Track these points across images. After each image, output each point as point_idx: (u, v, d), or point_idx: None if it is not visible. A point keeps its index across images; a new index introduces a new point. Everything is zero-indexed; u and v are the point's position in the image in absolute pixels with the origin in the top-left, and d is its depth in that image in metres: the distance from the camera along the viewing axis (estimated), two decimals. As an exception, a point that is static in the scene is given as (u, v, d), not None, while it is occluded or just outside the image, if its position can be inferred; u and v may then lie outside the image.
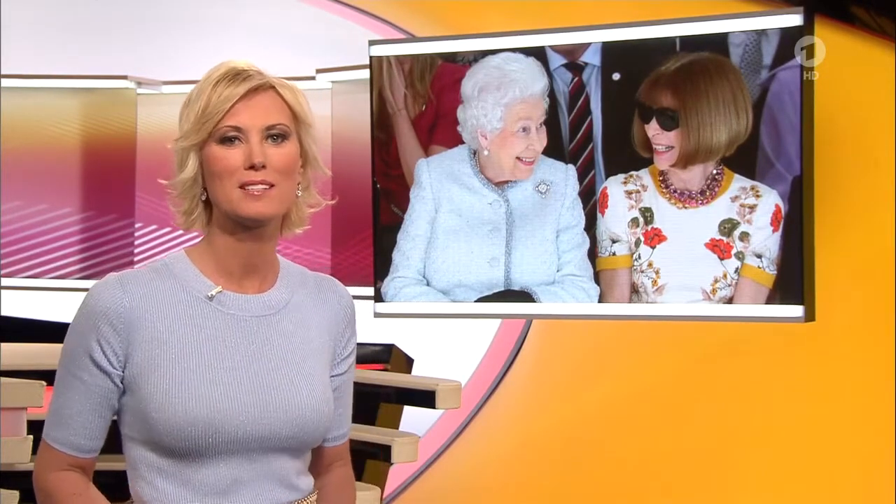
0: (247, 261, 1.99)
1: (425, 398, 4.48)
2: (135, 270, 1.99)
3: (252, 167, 1.93)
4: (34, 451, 4.21)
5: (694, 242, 4.07)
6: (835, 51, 3.99)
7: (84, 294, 1.99)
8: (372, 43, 4.63)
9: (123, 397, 1.96)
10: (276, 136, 1.95)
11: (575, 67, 4.24)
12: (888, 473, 3.98)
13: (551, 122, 4.26)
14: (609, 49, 4.19)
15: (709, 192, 4.06)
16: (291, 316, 2.02)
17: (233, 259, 1.99)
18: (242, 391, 1.94)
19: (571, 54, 4.23)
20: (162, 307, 1.96)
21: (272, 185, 1.94)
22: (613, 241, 4.20)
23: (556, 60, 4.26)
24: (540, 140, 4.27)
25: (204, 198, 1.98)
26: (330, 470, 2.14)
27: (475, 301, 4.36)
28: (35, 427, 4.25)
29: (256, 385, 1.96)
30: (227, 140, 1.94)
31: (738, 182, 4.00)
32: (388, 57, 4.50)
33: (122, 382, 1.96)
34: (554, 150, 4.26)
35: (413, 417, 4.80)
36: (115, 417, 2.01)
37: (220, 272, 1.99)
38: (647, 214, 4.15)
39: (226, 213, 1.96)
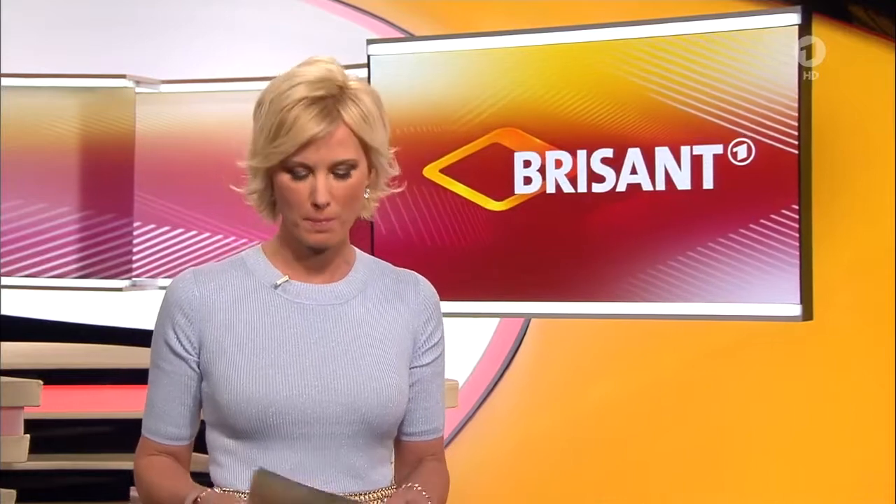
0: (314, 260, 2.07)
1: (424, 397, 4.46)
2: (211, 264, 2.11)
3: (316, 205, 1.98)
4: (33, 450, 4.20)
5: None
6: (834, 50, 3.99)
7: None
8: (370, 42, 4.62)
9: (203, 384, 2.05)
10: (342, 171, 1.99)
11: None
12: (888, 473, 3.98)
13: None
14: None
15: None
16: (362, 306, 2.08)
17: (300, 257, 2.07)
18: (303, 375, 2.01)
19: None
20: (231, 296, 2.05)
21: (336, 218, 2.00)
22: None
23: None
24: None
25: (273, 199, 2.05)
26: (420, 464, 2.14)
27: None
28: (32, 426, 4.24)
29: (318, 370, 2.02)
30: (295, 173, 1.99)
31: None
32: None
33: (198, 367, 2.05)
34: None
35: (412, 417, 4.78)
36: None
37: (289, 264, 2.07)
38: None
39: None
